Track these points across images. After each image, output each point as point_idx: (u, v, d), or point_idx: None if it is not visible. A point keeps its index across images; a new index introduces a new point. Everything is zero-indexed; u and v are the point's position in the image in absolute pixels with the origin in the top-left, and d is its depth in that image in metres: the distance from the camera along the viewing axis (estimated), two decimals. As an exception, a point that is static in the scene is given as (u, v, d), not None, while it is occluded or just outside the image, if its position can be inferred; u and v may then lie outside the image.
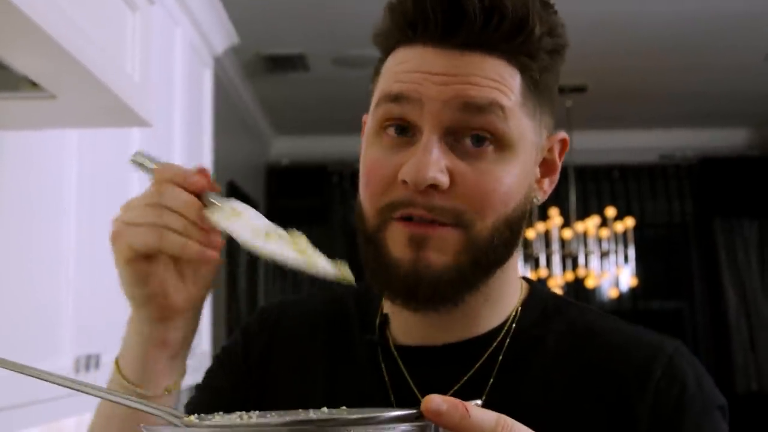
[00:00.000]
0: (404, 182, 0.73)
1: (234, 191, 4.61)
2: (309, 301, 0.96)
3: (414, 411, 0.52)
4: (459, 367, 0.80)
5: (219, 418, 0.58)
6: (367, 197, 0.78)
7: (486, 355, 0.81)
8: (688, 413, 0.76)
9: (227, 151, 4.15)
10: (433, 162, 0.72)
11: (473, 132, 0.73)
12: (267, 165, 5.90)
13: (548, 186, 0.83)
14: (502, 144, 0.74)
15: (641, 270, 5.37)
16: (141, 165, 0.76)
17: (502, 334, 0.82)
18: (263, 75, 4.55)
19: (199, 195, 0.72)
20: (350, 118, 5.79)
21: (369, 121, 0.80)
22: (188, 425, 0.55)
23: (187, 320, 0.78)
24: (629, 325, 0.84)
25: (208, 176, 0.74)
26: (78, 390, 0.60)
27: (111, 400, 0.60)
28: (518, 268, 0.85)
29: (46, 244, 1.41)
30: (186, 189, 0.72)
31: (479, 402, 0.55)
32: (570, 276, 5.04)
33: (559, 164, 0.83)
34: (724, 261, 5.72)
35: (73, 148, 1.48)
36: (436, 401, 0.51)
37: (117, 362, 0.79)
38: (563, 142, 0.83)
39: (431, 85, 0.73)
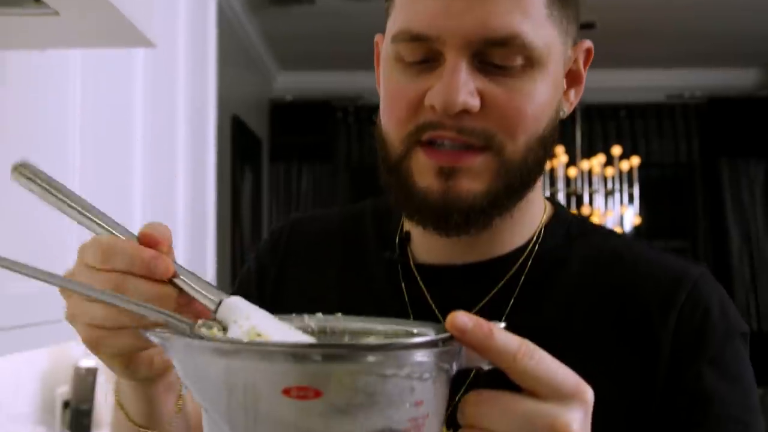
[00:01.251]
0: (432, 107, 0.71)
1: (238, 126, 4.59)
2: (323, 218, 0.95)
3: (440, 337, 0.51)
4: (480, 287, 0.80)
5: (221, 335, 0.56)
6: (390, 124, 0.76)
7: (508, 276, 0.80)
8: (710, 338, 0.75)
9: (231, 85, 4.12)
10: (462, 85, 0.70)
11: (497, 61, 0.71)
12: (271, 100, 5.86)
13: (574, 98, 0.81)
14: (531, 60, 0.71)
15: (645, 209, 5.37)
16: (29, 180, 0.63)
17: (525, 254, 0.81)
18: (268, 8, 4.49)
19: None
20: (356, 52, 5.75)
21: (387, 48, 0.77)
22: (198, 335, 0.53)
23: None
24: (655, 250, 0.83)
25: (165, 245, 0.62)
26: (78, 291, 0.58)
27: (113, 303, 0.57)
28: (540, 188, 0.83)
29: (51, 165, 1.41)
30: (150, 276, 0.60)
31: (502, 325, 0.54)
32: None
33: (584, 75, 0.81)
34: (728, 201, 5.71)
35: (77, 69, 1.46)
36: (462, 318, 0.50)
37: (119, 400, 0.76)
38: (588, 51, 0.81)
39: (449, 18, 0.70)
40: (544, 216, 0.84)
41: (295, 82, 5.93)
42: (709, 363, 0.75)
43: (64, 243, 1.46)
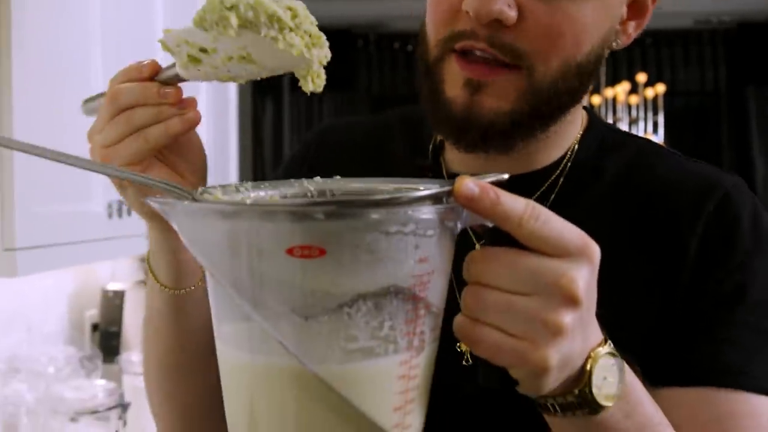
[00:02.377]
0: (467, 13, 0.69)
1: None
2: (353, 127, 0.94)
3: (443, 190, 0.50)
4: None
5: (221, 194, 0.56)
6: (430, 25, 0.74)
7: (541, 189, 0.79)
8: (737, 248, 0.74)
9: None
10: None
11: None
12: (291, 29, 5.79)
13: (633, 30, 0.77)
14: None
15: (670, 138, 5.31)
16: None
17: (559, 169, 0.80)
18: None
19: (153, 79, 0.69)
20: (377, -22, 5.58)
21: None
22: (197, 200, 0.53)
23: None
24: (690, 160, 0.81)
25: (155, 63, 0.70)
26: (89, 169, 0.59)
27: (118, 176, 0.59)
28: (581, 106, 0.81)
29: (75, 93, 1.41)
30: (137, 79, 0.68)
31: (506, 176, 0.54)
32: (597, 143, 5.00)
33: (651, 7, 0.77)
34: (755, 130, 5.62)
35: (97, 6, 1.46)
36: (468, 185, 0.50)
37: (149, 265, 0.79)
38: None
39: None
40: (580, 128, 0.82)
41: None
42: (736, 269, 0.74)
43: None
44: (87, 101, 0.73)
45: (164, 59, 0.69)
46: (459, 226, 0.52)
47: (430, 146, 0.85)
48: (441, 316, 0.53)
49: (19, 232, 1.24)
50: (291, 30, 0.60)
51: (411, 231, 0.48)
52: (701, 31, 5.69)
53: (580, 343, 0.53)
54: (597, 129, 0.83)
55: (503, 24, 0.68)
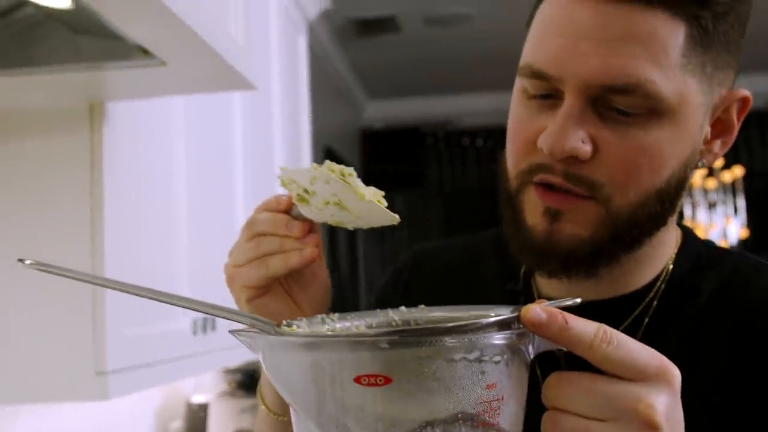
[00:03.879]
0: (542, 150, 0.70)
1: (331, 156, 4.65)
2: (445, 250, 0.95)
3: (512, 316, 0.51)
4: (607, 325, 0.77)
5: (306, 326, 0.59)
6: (510, 157, 0.75)
7: (635, 314, 0.77)
8: None
9: (322, 117, 4.18)
10: (572, 131, 0.67)
11: (617, 106, 0.68)
12: (361, 129, 5.92)
13: (720, 148, 0.75)
14: (656, 111, 0.67)
15: (752, 221, 5.17)
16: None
17: (653, 291, 0.78)
18: (355, 39, 4.55)
19: (288, 212, 0.73)
20: (442, 78, 5.74)
21: (516, 79, 0.75)
22: (280, 333, 0.56)
23: (319, 302, 0.78)
24: None
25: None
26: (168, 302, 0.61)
27: (198, 309, 0.60)
28: (673, 225, 0.79)
29: (159, 212, 1.46)
30: (274, 210, 0.73)
31: (578, 300, 0.54)
32: (676, 229, 4.91)
33: (737, 125, 0.75)
34: (841, 208, 5.45)
35: (180, 115, 1.51)
36: (535, 311, 0.50)
37: (260, 391, 0.83)
38: (744, 100, 0.74)
39: (573, 59, 0.67)
40: (674, 248, 0.80)
41: (384, 110, 5.98)
42: None
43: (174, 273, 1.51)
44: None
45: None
46: (532, 351, 0.53)
47: (522, 270, 0.84)
48: None
49: (110, 356, 1.26)
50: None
51: (476, 358, 0.49)
52: (776, 111, 5.60)
53: None
54: (692, 248, 0.81)
55: (578, 159, 0.68)
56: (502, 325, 0.51)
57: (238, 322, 0.59)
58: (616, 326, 0.75)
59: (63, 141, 1.23)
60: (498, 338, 0.50)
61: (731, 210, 4.92)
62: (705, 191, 4.88)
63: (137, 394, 1.97)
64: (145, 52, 1.03)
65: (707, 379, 0.72)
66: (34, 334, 1.23)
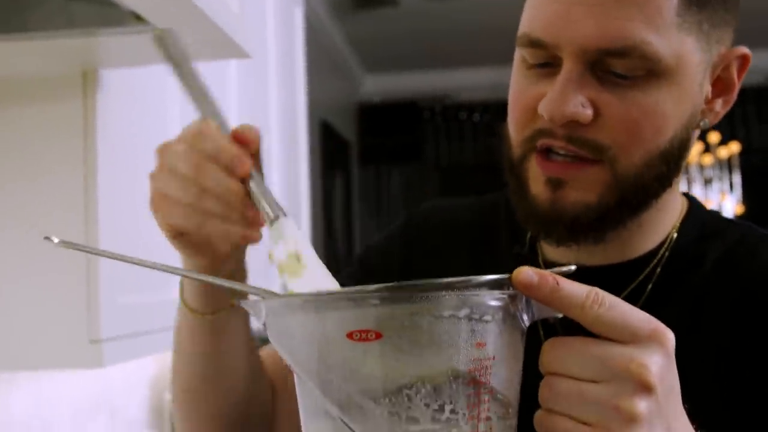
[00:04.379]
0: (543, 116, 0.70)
1: (327, 131, 4.64)
2: (456, 209, 0.94)
3: (504, 277, 0.52)
4: (610, 291, 0.77)
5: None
6: (511, 126, 0.76)
7: (639, 279, 0.77)
8: None
9: (319, 90, 4.17)
10: (571, 96, 0.68)
11: (615, 69, 0.68)
12: (358, 103, 5.91)
13: (721, 107, 0.76)
14: (655, 72, 0.68)
15: (748, 197, 5.18)
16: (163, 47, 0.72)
17: (657, 258, 0.78)
18: (352, 12, 4.53)
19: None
20: (440, 52, 5.72)
21: (516, 50, 0.75)
22: (281, 296, 0.57)
23: (237, 256, 0.75)
24: None
25: (253, 146, 0.67)
26: (165, 270, 0.61)
27: (201, 280, 0.62)
28: (678, 190, 0.80)
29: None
30: (228, 171, 0.65)
31: (573, 267, 0.54)
32: (671, 205, 4.91)
33: (738, 83, 0.75)
34: (837, 185, 5.46)
35: (175, 84, 1.50)
36: (527, 273, 0.51)
37: (181, 294, 0.79)
38: (744, 58, 0.75)
39: (568, 25, 0.68)
40: (680, 215, 0.80)
41: (381, 84, 5.96)
42: None
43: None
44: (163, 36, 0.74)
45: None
46: (526, 317, 0.53)
47: (528, 235, 0.85)
48: (513, 406, 0.53)
49: (104, 324, 1.27)
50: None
51: (466, 315, 0.50)
52: (774, 87, 5.59)
53: None
54: (697, 216, 0.80)
55: (580, 123, 0.69)
56: (493, 286, 0.51)
57: (236, 290, 0.60)
58: (619, 292, 0.76)
59: (56, 108, 1.23)
60: (488, 298, 0.51)
61: (727, 186, 4.93)
62: (701, 167, 4.88)
63: (132, 363, 1.98)
64: (138, 19, 1.02)
65: (710, 347, 0.72)
66: (28, 301, 1.23)
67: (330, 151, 4.73)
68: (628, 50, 0.67)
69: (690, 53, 0.69)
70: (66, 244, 0.57)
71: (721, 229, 0.79)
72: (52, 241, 0.57)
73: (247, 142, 0.66)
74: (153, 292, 1.45)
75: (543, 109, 0.69)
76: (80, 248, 0.59)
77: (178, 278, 1.57)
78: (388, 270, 0.91)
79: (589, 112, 0.68)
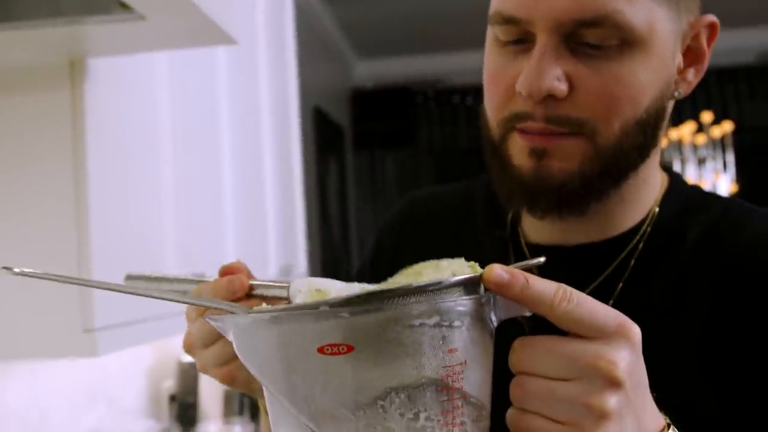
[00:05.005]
0: (520, 93, 0.70)
1: (320, 117, 4.63)
2: (438, 197, 0.95)
3: (474, 276, 0.52)
4: (593, 268, 0.78)
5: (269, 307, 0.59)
6: (489, 107, 0.76)
7: (622, 256, 0.77)
8: None
9: (311, 76, 4.16)
10: (548, 70, 0.68)
11: (589, 40, 0.69)
12: (351, 89, 5.89)
13: (693, 76, 0.77)
14: (628, 41, 0.69)
15: (742, 176, 5.19)
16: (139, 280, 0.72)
17: (639, 234, 0.78)
18: (342, -3, 4.51)
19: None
20: (433, 36, 5.69)
21: (488, 30, 0.76)
22: (245, 312, 0.57)
23: None
24: None
25: (243, 273, 0.68)
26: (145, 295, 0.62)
27: (185, 303, 0.61)
28: (657, 164, 0.80)
29: (145, 170, 1.45)
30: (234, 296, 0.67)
31: (542, 260, 0.55)
32: (665, 185, 4.92)
33: (708, 52, 0.76)
34: (830, 163, 5.46)
35: (164, 72, 1.50)
36: (497, 272, 0.51)
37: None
38: (712, 26, 0.76)
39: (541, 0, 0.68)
40: (661, 191, 0.80)
41: (374, 70, 5.94)
42: None
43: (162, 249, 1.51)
44: (130, 278, 0.74)
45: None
46: (494, 317, 0.54)
47: (509, 217, 0.85)
48: (486, 407, 0.53)
49: (98, 313, 1.27)
50: None
51: (436, 323, 0.50)
52: (765, 65, 5.58)
53: (632, 427, 0.52)
54: (679, 191, 0.81)
55: (556, 98, 0.69)
56: (463, 288, 0.51)
57: (205, 307, 0.61)
58: (602, 270, 0.77)
59: (44, 98, 1.22)
60: (457, 304, 0.51)
61: (720, 165, 4.93)
62: (694, 147, 4.89)
63: (129, 353, 1.98)
64: (124, 6, 1.02)
65: (693, 322, 0.72)
66: (22, 291, 1.23)
67: (323, 137, 4.72)
68: (600, 19, 0.67)
69: (661, 21, 0.70)
70: (24, 273, 0.56)
71: (704, 203, 0.79)
72: (12, 270, 0.56)
73: (235, 270, 0.68)
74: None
75: (521, 86, 0.70)
76: (38, 276, 0.58)
77: (169, 264, 1.56)
78: (379, 266, 0.92)
79: (564, 87, 0.69)
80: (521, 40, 0.71)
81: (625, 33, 0.68)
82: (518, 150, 0.73)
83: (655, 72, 0.71)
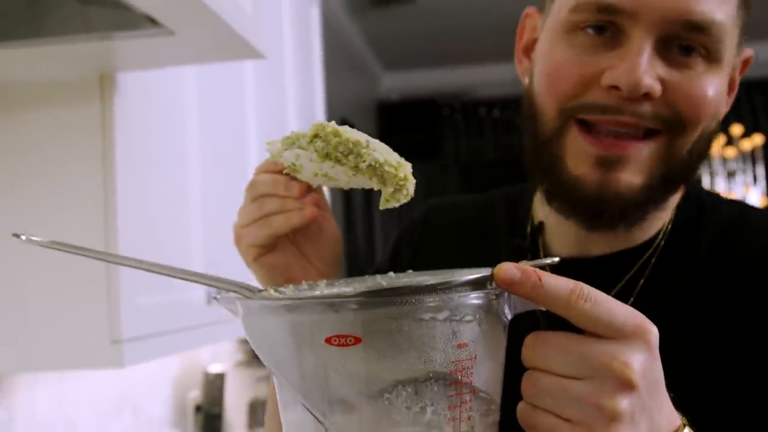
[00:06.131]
0: (613, 87, 0.69)
1: (346, 129, 4.64)
2: (457, 206, 0.95)
3: (486, 275, 0.51)
4: (613, 276, 0.77)
5: (290, 291, 0.60)
6: (548, 96, 0.74)
7: (640, 262, 0.77)
8: None
9: (338, 89, 4.17)
10: (648, 68, 0.68)
11: (686, 43, 0.70)
12: (377, 101, 5.90)
13: (727, 106, 0.78)
14: (712, 58, 0.70)
15: (772, 189, 5.13)
16: None
17: (657, 242, 0.78)
18: (369, 10, 4.53)
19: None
20: (458, 49, 5.68)
21: (558, 18, 0.74)
22: (257, 298, 0.56)
23: (330, 260, 0.80)
24: None
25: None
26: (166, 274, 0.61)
27: (194, 281, 0.60)
28: None
29: (172, 183, 1.47)
30: (273, 171, 0.75)
31: (556, 259, 0.54)
32: (694, 199, 4.87)
33: (737, 83, 0.79)
34: None
35: (192, 86, 1.52)
36: (509, 269, 0.50)
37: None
38: (747, 61, 0.78)
39: None
40: (679, 196, 0.80)
41: (400, 82, 5.96)
42: None
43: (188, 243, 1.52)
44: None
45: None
46: (508, 311, 0.53)
47: (528, 227, 0.84)
48: (496, 402, 0.53)
49: (125, 324, 1.28)
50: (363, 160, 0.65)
51: (446, 317, 0.49)
52: (796, 77, 5.52)
53: (646, 430, 0.51)
54: (694, 196, 0.81)
55: (650, 97, 0.69)
56: (474, 285, 0.50)
57: (221, 288, 0.59)
58: (620, 278, 0.77)
59: (74, 112, 1.24)
60: (468, 298, 0.50)
61: (750, 179, 4.88)
62: (724, 160, 4.84)
63: (155, 364, 2.00)
64: (153, 22, 1.03)
65: (708, 328, 0.72)
66: (50, 303, 1.25)
67: (350, 149, 4.73)
68: (706, 24, 0.68)
69: (731, 48, 0.72)
70: (31, 242, 0.57)
71: (719, 209, 0.79)
72: (20, 238, 0.57)
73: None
74: (173, 292, 1.46)
75: (619, 79, 0.69)
76: (45, 245, 0.58)
77: (189, 283, 1.57)
78: (399, 272, 0.92)
79: (659, 87, 0.69)
80: (603, 28, 0.70)
81: (717, 46, 0.69)
82: (580, 156, 0.72)
83: (722, 91, 0.73)
